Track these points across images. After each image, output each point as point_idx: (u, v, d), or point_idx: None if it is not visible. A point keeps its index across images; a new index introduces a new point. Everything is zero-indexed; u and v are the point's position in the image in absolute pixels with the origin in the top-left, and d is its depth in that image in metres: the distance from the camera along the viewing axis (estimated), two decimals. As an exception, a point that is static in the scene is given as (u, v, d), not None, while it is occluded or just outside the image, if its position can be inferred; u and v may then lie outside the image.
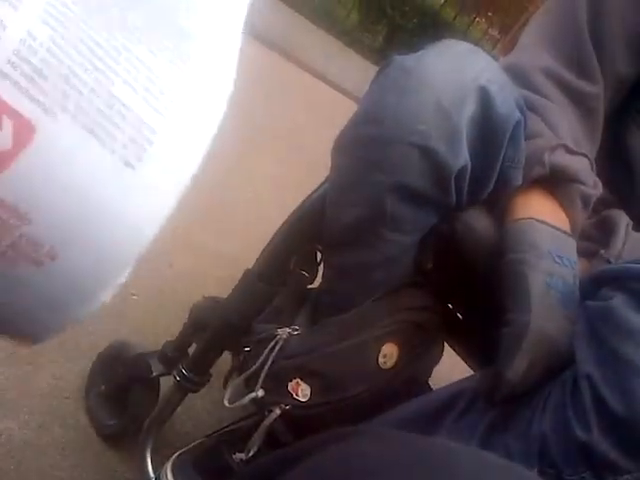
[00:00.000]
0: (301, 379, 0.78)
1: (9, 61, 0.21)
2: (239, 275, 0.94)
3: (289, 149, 2.87)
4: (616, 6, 0.83)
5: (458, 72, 0.70)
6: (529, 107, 0.78)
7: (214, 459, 0.88)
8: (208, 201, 2.01)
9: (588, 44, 0.83)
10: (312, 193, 0.88)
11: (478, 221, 0.77)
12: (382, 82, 0.73)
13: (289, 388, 0.78)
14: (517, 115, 0.72)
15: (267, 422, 0.78)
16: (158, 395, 1.08)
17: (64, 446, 1.05)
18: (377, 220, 0.74)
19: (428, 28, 6.97)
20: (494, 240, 0.74)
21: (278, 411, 0.78)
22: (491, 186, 0.75)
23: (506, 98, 0.71)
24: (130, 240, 0.26)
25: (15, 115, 0.21)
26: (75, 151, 0.22)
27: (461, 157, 0.70)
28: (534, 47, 0.87)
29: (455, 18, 7.42)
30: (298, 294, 0.92)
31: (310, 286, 0.92)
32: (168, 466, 0.87)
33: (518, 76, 0.82)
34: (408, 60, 0.72)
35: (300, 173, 2.56)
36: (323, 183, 0.86)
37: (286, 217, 0.91)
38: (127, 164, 0.24)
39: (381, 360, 0.77)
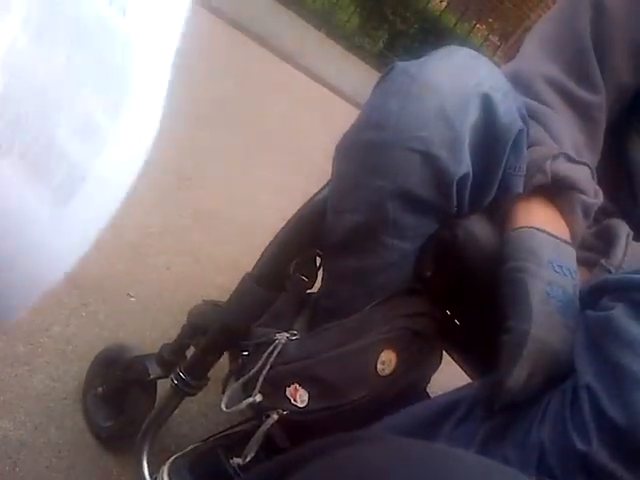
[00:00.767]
0: (299, 384, 0.78)
1: None
2: (237, 279, 0.94)
3: (288, 153, 2.88)
4: (619, 16, 0.83)
5: (461, 79, 0.70)
6: (531, 115, 0.78)
7: (210, 463, 0.88)
8: (206, 205, 2.02)
9: (591, 54, 0.83)
10: (312, 197, 0.88)
11: (479, 228, 0.77)
12: (385, 88, 0.73)
13: (287, 393, 0.78)
14: (520, 123, 0.72)
15: (265, 427, 0.78)
16: (155, 398, 1.08)
17: (60, 448, 1.05)
18: (377, 226, 0.74)
19: (429, 34, 6.99)
20: (495, 248, 0.74)
21: (276, 416, 0.78)
22: (493, 193, 0.75)
23: (509, 106, 0.71)
24: (49, 271, 0.27)
25: None
26: (10, 188, 0.23)
27: (463, 164, 0.70)
28: (537, 55, 0.88)
29: (456, 24, 7.43)
30: (297, 299, 0.92)
31: (309, 291, 0.92)
32: (164, 469, 0.87)
33: (520, 84, 0.83)
34: (411, 66, 0.72)
35: (299, 177, 2.56)
36: (324, 187, 0.86)
37: (284, 222, 0.91)
38: (58, 203, 0.25)
39: (379, 367, 0.77)
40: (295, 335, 0.83)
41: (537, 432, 0.59)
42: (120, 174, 0.27)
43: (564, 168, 0.75)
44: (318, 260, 0.90)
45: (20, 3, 0.22)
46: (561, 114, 0.82)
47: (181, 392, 0.98)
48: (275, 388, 0.79)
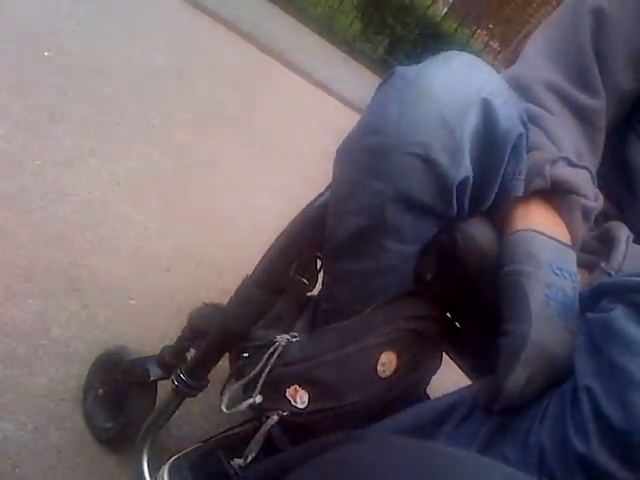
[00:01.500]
0: (299, 386, 0.78)
1: None
2: (238, 282, 0.95)
3: (288, 158, 2.88)
4: (619, 22, 0.83)
5: (461, 84, 0.70)
6: (531, 119, 0.78)
7: (210, 464, 0.88)
8: (206, 209, 2.02)
9: (591, 59, 0.84)
10: (313, 201, 0.88)
11: (479, 232, 0.77)
12: (385, 92, 0.73)
13: (287, 394, 0.78)
14: (519, 128, 0.73)
15: (265, 428, 0.78)
16: (155, 399, 1.08)
17: (60, 449, 1.05)
18: (378, 230, 0.74)
19: (429, 39, 6.99)
20: (494, 251, 0.75)
21: (276, 417, 0.78)
22: (492, 197, 0.76)
23: (509, 111, 0.72)
24: None
25: None
26: None
27: (463, 168, 0.70)
28: (537, 60, 0.88)
29: (456, 30, 7.44)
30: (297, 301, 0.92)
31: (310, 293, 0.92)
32: (165, 470, 0.87)
33: (520, 88, 0.83)
34: (411, 71, 0.72)
35: (299, 182, 2.56)
36: (324, 191, 0.87)
37: (285, 225, 0.91)
38: None
39: (380, 368, 0.77)
40: (295, 337, 0.83)
41: (537, 433, 0.59)
42: None
43: (564, 172, 0.75)
44: (319, 263, 0.90)
45: None
46: (561, 119, 0.83)
47: (181, 393, 0.98)
48: (275, 389, 0.80)
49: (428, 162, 0.69)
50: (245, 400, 0.81)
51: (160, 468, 0.89)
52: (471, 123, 0.69)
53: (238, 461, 0.82)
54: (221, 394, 0.86)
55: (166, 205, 1.89)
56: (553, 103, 0.83)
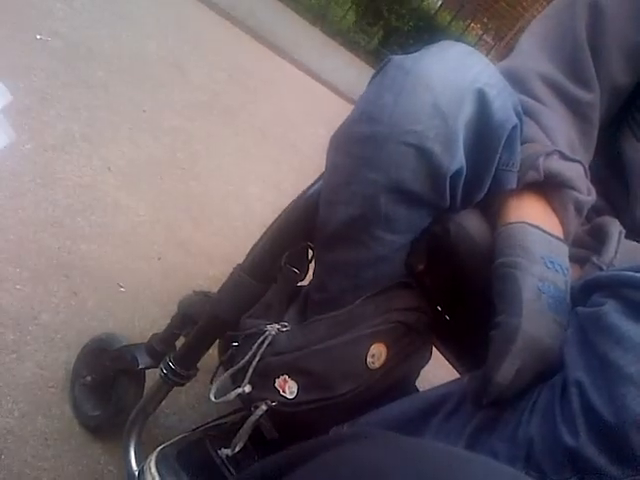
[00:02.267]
0: (289, 376, 0.78)
1: None
2: (228, 271, 0.94)
3: (282, 148, 2.87)
4: (615, 15, 0.83)
5: (456, 74, 0.70)
6: (525, 112, 0.78)
7: (198, 453, 0.88)
8: (198, 197, 2.01)
9: (586, 52, 0.83)
10: (306, 190, 0.88)
11: (471, 223, 0.77)
12: (380, 81, 0.73)
13: (276, 384, 0.78)
14: (514, 119, 0.72)
15: (253, 418, 0.78)
16: (144, 388, 1.07)
17: (47, 436, 1.04)
18: (370, 219, 0.74)
19: (423, 31, 6.99)
20: (487, 243, 0.74)
21: (264, 407, 0.78)
22: (485, 189, 0.75)
23: (504, 102, 0.71)
24: None
25: None
26: None
27: (457, 159, 0.70)
28: (532, 52, 0.88)
29: (450, 22, 7.44)
30: (288, 291, 0.92)
31: (300, 283, 0.92)
32: (152, 459, 0.87)
33: (515, 80, 0.83)
34: (406, 60, 0.71)
35: (293, 172, 2.56)
36: (316, 181, 0.86)
37: (276, 215, 0.91)
38: None
39: (369, 360, 0.77)
40: (286, 327, 0.83)
41: (526, 426, 0.59)
42: None
43: (557, 165, 0.75)
44: (310, 253, 0.90)
45: None
46: (555, 112, 0.82)
47: (170, 382, 0.98)
48: (264, 379, 0.79)
49: (422, 151, 0.68)
50: (234, 390, 0.81)
51: (147, 457, 0.89)
52: (466, 113, 0.69)
53: (226, 451, 0.82)
54: (211, 383, 0.86)
55: (157, 192, 1.87)
56: (547, 96, 0.83)
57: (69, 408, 1.11)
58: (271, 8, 5.60)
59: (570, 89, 0.84)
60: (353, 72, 5.24)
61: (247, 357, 0.81)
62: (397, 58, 0.73)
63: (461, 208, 0.77)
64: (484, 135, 0.71)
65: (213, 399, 0.82)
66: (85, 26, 2.57)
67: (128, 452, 0.98)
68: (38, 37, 2.21)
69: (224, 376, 0.84)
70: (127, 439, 0.99)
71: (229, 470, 0.85)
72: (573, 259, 0.72)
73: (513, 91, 0.77)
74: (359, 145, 0.72)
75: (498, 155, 0.73)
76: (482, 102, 0.69)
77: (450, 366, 0.98)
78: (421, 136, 0.68)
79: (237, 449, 0.80)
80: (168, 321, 1.05)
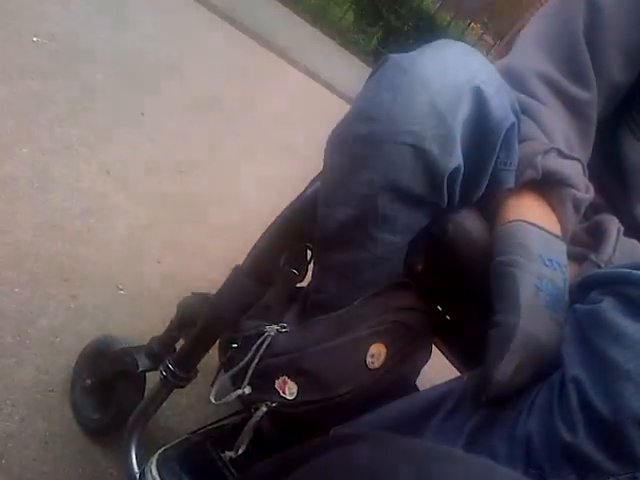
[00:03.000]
0: (288, 377, 0.78)
1: None
2: (227, 273, 0.94)
3: (280, 148, 2.87)
4: (612, 13, 0.83)
5: (454, 73, 0.70)
6: (523, 110, 0.78)
7: (199, 455, 0.88)
8: (197, 200, 2.01)
9: (584, 50, 0.83)
10: (303, 191, 0.87)
11: (470, 222, 0.77)
12: (377, 80, 0.73)
13: (276, 386, 0.78)
14: (511, 118, 0.72)
15: (254, 420, 0.78)
16: (144, 390, 1.07)
17: (47, 439, 1.04)
18: (368, 219, 0.74)
19: (423, 31, 6.99)
20: (485, 242, 0.74)
21: (264, 409, 0.78)
22: (483, 188, 0.75)
23: (501, 100, 0.71)
24: None
25: None
26: None
27: (454, 158, 0.69)
28: (530, 51, 0.88)
29: (450, 22, 7.44)
30: (287, 292, 0.92)
31: (299, 284, 0.92)
32: (153, 461, 0.87)
33: (513, 79, 0.83)
34: (404, 59, 0.71)
35: (291, 172, 2.56)
36: (314, 181, 0.86)
37: (275, 216, 0.90)
38: None
39: (369, 360, 0.77)
40: (285, 328, 0.82)
41: (524, 425, 0.59)
42: None
43: (555, 163, 0.75)
44: (309, 253, 0.90)
45: None
46: (553, 110, 0.82)
47: (170, 384, 0.98)
48: (264, 380, 0.79)
49: (419, 151, 0.68)
50: (234, 391, 0.81)
51: (148, 459, 0.89)
52: (463, 112, 0.69)
53: (229, 453, 0.82)
54: (211, 385, 0.86)
55: (156, 195, 1.87)
56: (545, 94, 0.83)
57: (69, 411, 1.11)
58: (270, 9, 5.60)
59: (568, 87, 0.84)
60: (352, 72, 5.25)
61: (247, 358, 0.80)
62: (394, 57, 0.72)
63: (459, 207, 0.77)
64: (482, 134, 0.71)
65: (213, 401, 0.82)
66: (82, 28, 2.56)
67: (129, 455, 0.98)
68: (35, 39, 2.20)
69: (224, 378, 0.84)
70: (128, 442, 0.99)
71: (230, 472, 0.85)
72: (571, 257, 0.72)
73: (511, 89, 0.77)
74: (356, 145, 0.72)
75: (496, 153, 0.72)
76: (479, 100, 0.69)
77: (450, 365, 0.98)
78: (418, 135, 0.68)
79: (240, 451, 0.80)
80: (167, 323, 1.05)
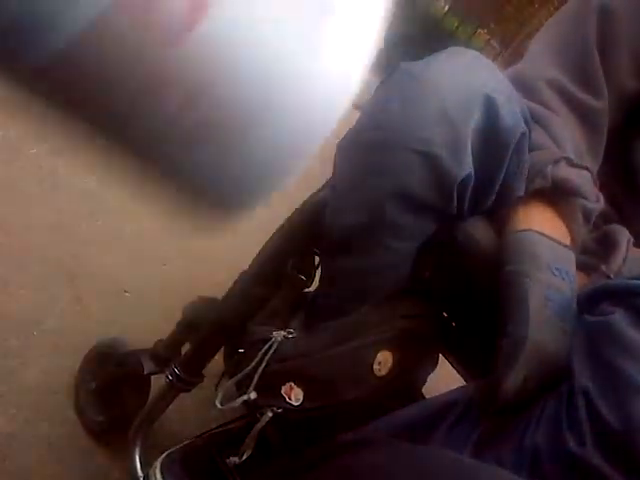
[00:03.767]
0: (294, 383, 0.78)
1: None
2: (234, 277, 0.94)
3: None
4: (623, 21, 0.83)
5: (465, 81, 0.70)
6: (533, 118, 0.78)
7: (203, 460, 0.88)
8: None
9: (595, 59, 0.83)
10: (311, 196, 0.87)
11: (479, 231, 0.77)
12: (388, 88, 0.73)
13: (282, 391, 0.78)
14: (522, 126, 0.72)
15: (259, 425, 0.78)
16: (149, 393, 1.07)
17: (51, 442, 1.04)
18: (376, 226, 0.74)
19: (430, 37, 6.99)
20: (494, 250, 0.74)
21: (270, 414, 0.78)
22: (493, 196, 0.75)
23: (512, 109, 0.71)
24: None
25: None
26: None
27: (464, 166, 0.69)
28: (541, 59, 0.87)
29: (457, 28, 7.43)
30: (294, 297, 0.91)
31: (306, 290, 0.91)
32: (157, 465, 0.87)
33: (524, 87, 0.82)
34: (415, 67, 0.71)
35: (298, 178, 2.56)
36: (323, 187, 0.86)
37: (281, 221, 0.90)
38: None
39: (376, 367, 0.77)
40: (292, 333, 0.82)
41: (532, 435, 0.59)
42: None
43: (565, 172, 0.74)
44: (316, 259, 0.90)
45: None
46: (564, 118, 0.82)
47: (175, 388, 0.97)
48: (270, 386, 0.79)
49: (430, 159, 0.68)
50: (240, 396, 0.80)
51: (152, 463, 0.88)
52: (474, 120, 0.69)
53: (233, 459, 0.81)
54: (216, 389, 0.86)
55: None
56: (556, 102, 0.83)
57: (73, 413, 1.10)
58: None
59: (578, 96, 0.83)
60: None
61: (253, 364, 0.80)
62: (405, 65, 0.72)
63: (469, 215, 0.77)
64: (492, 142, 0.71)
65: (219, 405, 0.82)
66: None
67: (133, 458, 0.98)
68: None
69: (230, 382, 0.83)
70: (132, 445, 0.99)
71: (234, 477, 0.85)
72: (580, 267, 0.72)
73: (521, 98, 0.77)
74: (366, 152, 0.72)
75: (506, 162, 0.72)
76: (490, 109, 0.69)
77: (456, 373, 0.98)
78: (428, 143, 0.68)
79: (245, 456, 0.80)
80: (173, 327, 1.05)
